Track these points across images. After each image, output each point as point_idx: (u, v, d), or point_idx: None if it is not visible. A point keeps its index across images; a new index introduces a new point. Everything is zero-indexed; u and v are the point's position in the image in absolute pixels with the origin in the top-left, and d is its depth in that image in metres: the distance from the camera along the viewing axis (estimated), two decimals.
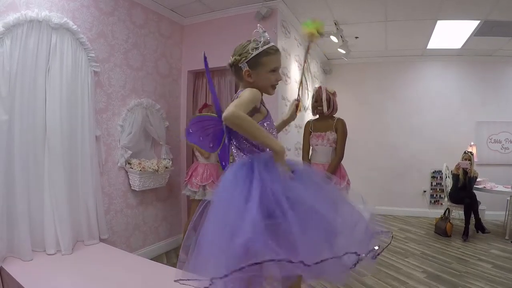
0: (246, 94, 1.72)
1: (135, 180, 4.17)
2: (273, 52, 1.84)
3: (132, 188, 4.23)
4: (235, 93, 1.91)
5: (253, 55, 1.80)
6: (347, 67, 7.41)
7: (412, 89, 7.13)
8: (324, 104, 3.71)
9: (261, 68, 1.81)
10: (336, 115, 3.85)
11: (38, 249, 3.11)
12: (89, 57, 3.66)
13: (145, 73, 4.51)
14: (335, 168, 3.58)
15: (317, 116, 3.92)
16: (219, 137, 2.03)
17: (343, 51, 6.06)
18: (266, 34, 1.84)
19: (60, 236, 3.19)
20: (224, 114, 1.58)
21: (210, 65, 2.15)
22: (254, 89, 1.77)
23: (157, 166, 4.29)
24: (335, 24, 5.28)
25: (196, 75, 5.34)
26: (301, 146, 4.00)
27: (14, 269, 2.72)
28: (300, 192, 1.57)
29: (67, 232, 3.24)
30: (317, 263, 1.37)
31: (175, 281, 1.60)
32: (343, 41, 5.76)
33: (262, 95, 1.84)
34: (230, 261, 1.34)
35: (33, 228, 3.08)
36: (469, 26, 5.25)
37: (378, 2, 4.55)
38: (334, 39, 5.60)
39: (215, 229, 1.50)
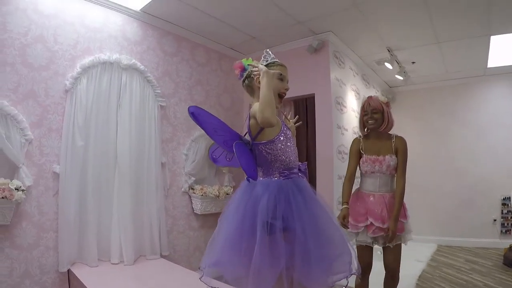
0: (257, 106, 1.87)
1: (197, 204, 4.51)
2: (280, 63, 2.08)
3: (194, 211, 4.57)
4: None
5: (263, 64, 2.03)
6: (409, 93, 7.30)
7: (477, 111, 6.75)
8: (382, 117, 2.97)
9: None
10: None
11: (104, 258, 3.54)
12: (155, 93, 4.18)
13: (208, 106, 4.92)
14: (403, 198, 2.84)
15: (366, 133, 3.14)
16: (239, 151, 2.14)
17: (400, 77, 6.04)
18: (273, 55, 2.10)
19: (124, 248, 3.60)
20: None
21: None
22: None
23: (218, 192, 4.59)
24: (388, 51, 5.32)
25: None
26: (344, 150, 3.39)
27: (80, 273, 3.14)
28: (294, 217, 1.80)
29: (130, 246, 3.63)
30: None
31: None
32: (399, 67, 5.77)
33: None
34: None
35: (100, 239, 3.52)
36: None
37: (426, 25, 4.54)
38: (388, 65, 5.61)
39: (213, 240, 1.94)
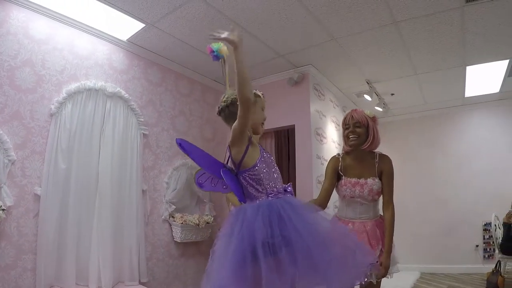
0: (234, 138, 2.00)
1: (177, 232, 4.50)
2: (261, 95, 2.20)
3: (174, 239, 4.55)
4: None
5: None
6: (390, 125, 7.46)
7: (458, 140, 6.99)
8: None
9: (255, 105, 2.08)
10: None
11: (82, 282, 3.48)
12: (139, 121, 4.27)
13: (191, 136, 5.01)
14: (393, 229, 2.47)
15: (348, 150, 2.68)
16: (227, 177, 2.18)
17: (380, 109, 6.25)
18: None
19: (102, 273, 3.56)
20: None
21: None
22: None
23: (198, 221, 4.59)
24: (368, 83, 5.53)
25: None
26: (323, 180, 2.73)
27: None
28: (292, 233, 1.81)
29: (109, 271, 3.60)
30: None
31: None
32: (379, 99, 5.98)
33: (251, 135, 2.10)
34: None
35: (79, 264, 3.48)
36: (500, 67, 5.12)
37: (403, 57, 4.74)
38: (368, 97, 5.77)
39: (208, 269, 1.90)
